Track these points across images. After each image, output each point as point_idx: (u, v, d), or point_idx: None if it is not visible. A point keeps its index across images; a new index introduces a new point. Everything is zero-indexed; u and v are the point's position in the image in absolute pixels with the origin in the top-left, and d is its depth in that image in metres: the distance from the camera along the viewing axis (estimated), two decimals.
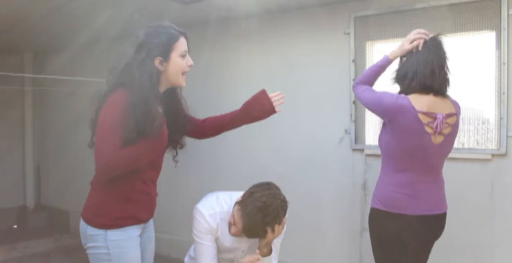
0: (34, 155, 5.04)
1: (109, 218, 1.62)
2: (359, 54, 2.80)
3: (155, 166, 1.78)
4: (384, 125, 1.88)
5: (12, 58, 4.86)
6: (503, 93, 2.35)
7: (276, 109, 1.85)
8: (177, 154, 1.90)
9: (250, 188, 1.78)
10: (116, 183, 1.61)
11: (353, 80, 2.80)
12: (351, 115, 2.84)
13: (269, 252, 1.81)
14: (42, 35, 3.92)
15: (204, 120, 1.99)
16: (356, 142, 2.84)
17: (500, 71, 2.36)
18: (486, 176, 2.39)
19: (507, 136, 2.35)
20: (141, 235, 1.74)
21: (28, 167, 5.02)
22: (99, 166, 1.51)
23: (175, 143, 1.87)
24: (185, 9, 2.99)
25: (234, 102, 3.39)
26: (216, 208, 1.84)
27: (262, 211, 1.67)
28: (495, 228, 2.38)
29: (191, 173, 3.63)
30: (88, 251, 1.68)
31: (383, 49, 2.82)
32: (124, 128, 1.51)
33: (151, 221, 1.85)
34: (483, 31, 2.42)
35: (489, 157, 2.39)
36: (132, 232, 1.67)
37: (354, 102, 2.82)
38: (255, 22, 3.21)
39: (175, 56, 1.66)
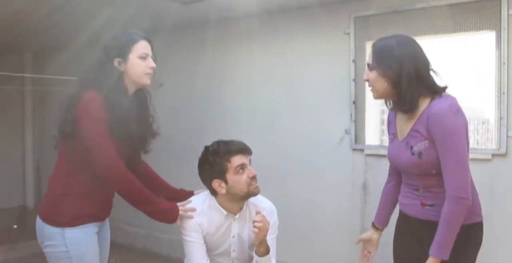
0: (34, 155, 5.04)
1: (67, 217, 1.64)
2: (359, 54, 2.80)
3: None
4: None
5: (12, 58, 4.86)
6: (503, 93, 2.36)
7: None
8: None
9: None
10: (75, 182, 1.66)
11: (353, 80, 2.81)
12: (351, 115, 2.84)
13: (267, 251, 1.80)
14: (42, 35, 3.92)
15: (142, 165, 2.02)
16: (356, 142, 2.84)
17: (500, 71, 2.36)
18: (486, 176, 2.39)
19: (507, 136, 2.36)
20: (98, 234, 1.76)
21: (28, 167, 5.02)
22: (107, 172, 1.62)
23: (139, 148, 1.89)
24: (185, 9, 2.99)
25: (234, 101, 3.41)
26: (200, 204, 1.86)
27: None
28: (495, 228, 2.38)
29: (192, 173, 3.62)
30: (45, 250, 1.71)
31: None
32: (106, 131, 1.61)
33: (107, 220, 1.88)
34: (483, 31, 2.42)
35: (489, 157, 2.39)
36: (90, 230, 1.70)
37: (354, 102, 2.83)
38: (255, 22, 3.21)
39: (133, 58, 1.71)
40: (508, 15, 2.32)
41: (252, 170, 1.80)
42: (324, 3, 2.86)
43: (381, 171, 2.75)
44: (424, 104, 1.56)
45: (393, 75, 1.55)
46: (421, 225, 1.65)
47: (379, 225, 1.88)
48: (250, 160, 1.84)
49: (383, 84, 1.58)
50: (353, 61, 2.81)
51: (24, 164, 5.03)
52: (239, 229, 1.86)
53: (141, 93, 1.84)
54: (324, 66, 2.95)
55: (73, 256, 1.65)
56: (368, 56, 1.65)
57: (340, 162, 2.91)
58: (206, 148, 1.87)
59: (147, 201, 1.69)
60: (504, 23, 2.33)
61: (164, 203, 1.75)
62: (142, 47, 1.72)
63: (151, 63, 1.74)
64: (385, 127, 2.98)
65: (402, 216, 1.77)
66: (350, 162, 2.87)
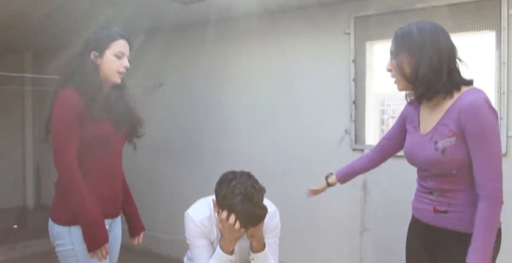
0: (34, 155, 5.04)
1: (72, 214, 1.66)
2: (359, 54, 2.80)
3: (114, 160, 1.83)
4: None
5: (12, 58, 4.86)
6: (503, 93, 2.35)
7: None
8: (135, 144, 1.96)
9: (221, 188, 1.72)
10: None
11: (353, 80, 2.81)
12: (351, 115, 2.84)
13: (261, 247, 1.77)
14: (42, 35, 3.93)
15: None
16: (356, 142, 2.84)
17: (500, 71, 2.36)
18: None
19: (507, 136, 2.35)
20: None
21: (28, 167, 5.02)
22: (60, 173, 1.64)
23: (130, 135, 1.91)
24: (185, 9, 2.99)
25: (234, 101, 3.42)
26: (206, 212, 1.82)
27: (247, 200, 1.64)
28: None
29: (192, 174, 3.63)
30: (56, 249, 1.72)
31: (383, 49, 2.83)
32: (74, 131, 1.63)
33: (118, 220, 1.88)
34: (483, 31, 2.42)
35: None
36: None
37: (354, 102, 2.83)
38: (255, 22, 3.21)
39: (109, 54, 1.74)
40: (508, 15, 2.32)
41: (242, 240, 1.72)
42: (324, 3, 2.86)
43: (381, 171, 2.75)
44: (452, 96, 1.48)
45: (415, 61, 1.47)
46: (432, 233, 1.56)
47: (336, 178, 2.03)
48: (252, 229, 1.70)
49: (405, 71, 1.50)
50: (353, 61, 2.81)
51: (24, 164, 5.03)
52: (239, 244, 1.84)
53: (117, 86, 1.87)
54: (324, 66, 2.95)
55: (79, 254, 1.66)
56: (391, 45, 1.57)
57: (340, 162, 2.89)
58: (230, 181, 1.68)
59: (85, 209, 1.63)
60: (504, 23, 2.33)
61: (102, 227, 1.67)
62: (120, 45, 1.76)
63: (125, 62, 1.78)
64: (385, 127, 2.98)
65: (414, 221, 1.69)
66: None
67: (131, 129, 1.88)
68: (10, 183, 4.91)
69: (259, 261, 1.79)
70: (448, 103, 1.48)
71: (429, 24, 1.52)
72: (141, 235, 2.02)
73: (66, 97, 1.65)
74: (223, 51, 3.42)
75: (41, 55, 4.88)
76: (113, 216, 1.82)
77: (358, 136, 2.84)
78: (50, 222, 1.73)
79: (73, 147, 1.63)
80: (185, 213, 1.85)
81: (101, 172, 1.74)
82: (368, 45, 2.80)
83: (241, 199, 1.62)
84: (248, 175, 1.72)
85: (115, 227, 1.86)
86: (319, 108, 2.98)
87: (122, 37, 1.78)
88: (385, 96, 2.95)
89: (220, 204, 1.69)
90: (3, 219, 4.63)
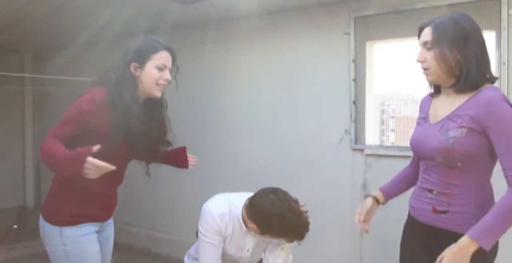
0: (34, 155, 5.04)
1: (64, 216, 1.67)
2: (359, 54, 2.80)
3: (116, 172, 1.78)
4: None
5: (12, 58, 4.87)
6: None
7: (189, 167, 2.11)
8: (148, 168, 1.91)
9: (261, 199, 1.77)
10: (75, 182, 1.65)
11: (353, 80, 2.81)
12: (351, 115, 2.84)
13: None
14: (42, 35, 3.93)
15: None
16: (356, 142, 2.84)
17: (500, 71, 2.36)
18: None
19: None
20: (98, 234, 1.77)
21: (28, 167, 5.03)
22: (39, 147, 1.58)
23: (144, 157, 1.86)
24: (185, 9, 2.99)
25: (234, 101, 3.42)
26: (226, 207, 1.83)
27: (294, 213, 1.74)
28: None
29: (191, 174, 3.62)
30: (46, 248, 1.73)
31: (383, 49, 2.83)
32: (74, 124, 1.57)
33: (110, 221, 1.88)
34: (483, 31, 2.41)
35: None
36: (87, 229, 1.71)
37: (354, 102, 2.83)
38: (255, 22, 3.21)
39: (150, 66, 1.67)
40: (508, 15, 2.32)
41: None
42: (324, 3, 2.86)
43: (381, 171, 2.76)
44: (475, 90, 1.46)
45: (459, 53, 1.44)
46: (430, 233, 1.53)
47: (382, 195, 1.80)
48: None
49: (446, 62, 1.45)
50: (353, 61, 2.81)
51: (24, 164, 5.04)
52: (255, 244, 1.87)
53: (156, 102, 1.80)
54: (324, 66, 2.95)
55: (70, 255, 1.67)
56: (425, 35, 1.49)
57: (340, 162, 2.91)
58: (287, 207, 1.77)
59: (52, 154, 1.50)
60: (504, 23, 2.33)
61: (67, 151, 1.50)
62: (162, 57, 1.68)
63: (166, 75, 1.69)
64: (385, 126, 2.99)
65: (411, 220, 1.65)
66: (350, 162, 2.86)
67: (147, 155, 1.81)
68: (10, 183, 4.91)
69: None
70: (467, 96, 1.46)
71: (465, 16, 1.50)
72: (186, 154, 2.10)
73: (91, 94, 1.59)
74: (223, 51, 3.42)
75: (41, 55, 4.88)
76: (104, 220, 1.82)
77: (358, 136, 2.84)
78: (41, 220, 1.73)
79: (64, 132, 1.56)
80: (204, 206, 1.85)
81: (101, 178, 1.70)
82: (368, 45, 2.80)
83: (297, 218, 1.78)
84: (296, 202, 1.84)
85: (107, 227, 1.86)
86: (319, 108, 2.98)
87: (165, 48, 1.70)
88: (385, 96, 2.95)
89: (271, 214, 1.73)
90: (3, 219, 4.63)
